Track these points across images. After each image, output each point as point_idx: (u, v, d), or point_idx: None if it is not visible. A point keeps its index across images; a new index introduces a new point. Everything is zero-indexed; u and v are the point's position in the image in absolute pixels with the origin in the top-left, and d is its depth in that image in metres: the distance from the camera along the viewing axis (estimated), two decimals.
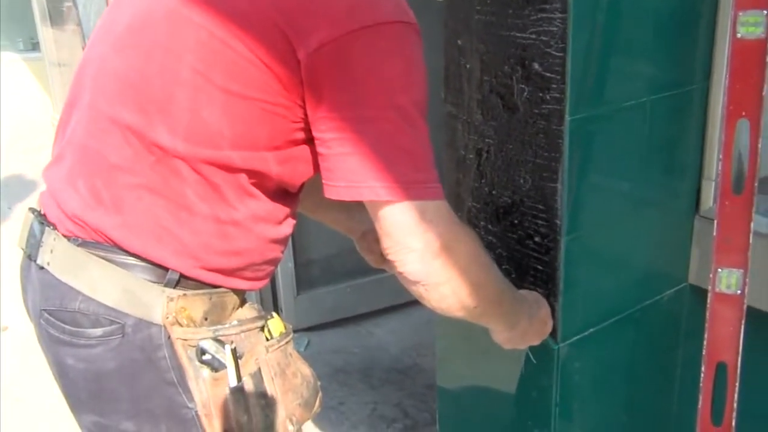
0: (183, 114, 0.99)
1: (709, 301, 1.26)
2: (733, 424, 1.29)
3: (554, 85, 1.21)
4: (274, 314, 1.16)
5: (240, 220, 1.05)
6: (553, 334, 1.33)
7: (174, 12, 1.01)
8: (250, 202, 1.05)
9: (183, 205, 1.01)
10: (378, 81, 0.97)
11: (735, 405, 1.27)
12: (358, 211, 1.19)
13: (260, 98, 0.98)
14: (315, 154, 1.03)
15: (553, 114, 1.23)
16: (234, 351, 1.05)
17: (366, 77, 0.97)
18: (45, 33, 5.69)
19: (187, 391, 1.05)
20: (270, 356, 1.10)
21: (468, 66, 1.37)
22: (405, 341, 3.00)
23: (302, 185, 1.13)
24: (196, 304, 1.06)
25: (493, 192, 1.38)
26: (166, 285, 1.03)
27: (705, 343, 1.28)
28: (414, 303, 1.12)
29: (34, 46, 6.77)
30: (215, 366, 1.04)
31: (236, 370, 1.05)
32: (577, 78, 1.20)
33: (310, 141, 1.03)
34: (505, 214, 1.37)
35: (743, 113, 1.16)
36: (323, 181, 1.01)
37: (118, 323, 1.03)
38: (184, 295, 1.04)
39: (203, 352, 1.04)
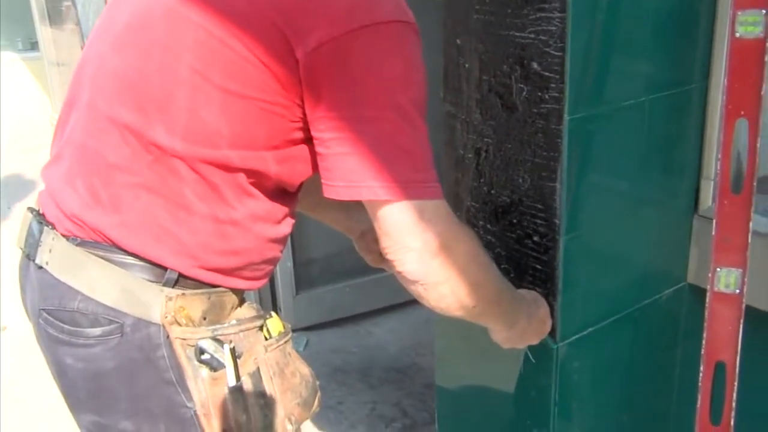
0: (181, 113, 0.99)
1: (707, 300, 1.26)
2: (732, 423, 1.29)
3: (553, 85, 1.21)
4: (273, 314, 1.16)
5: (239, 220, 1.05)
6: (552, 333, 1.33)
7: (172, 11, 1.01)
8: (249, 201, 1.05)
9: (181, 205, 1.01)
10: (377, 80, 0.97)
11: (734, 404, 1.27)
12: (357, 210, 1.19)
13: (259, 98, 0.98)
14: (314, 154, 1.03)
15: (551, 113, 1.23)
16: (233, 350, 1.05)
17: (365, 77, 0.97)
18: (44, 32, 5.69)
19: (186, 390, 1.05)
20: (269, 356, 1.10)
21: (467, 65, 1.37)
22: (404, 341, 3.00)
23: (301, 185, 1.13)
24: (195, 303, 1.06)
25: (492, 191, 1.38)
26: (165, 284, 1.03)
27: (704, 342, 1.28)
28: (413, 302, 1.12)
29: (33, 46, 6.77)
30: (214, 365, 1.04)
31: (235, 370, 1.05)
32: (576, 77, 1.20)
33: (308, 140, 1.03)
34: (503, 214, 1.37)
35: (742, 112, 1.16)
36: (322, 181, 1.01)
37: (117, 323, 1.03)
38: (183, 294, 1.04)
39: (202, 351, 1.04)
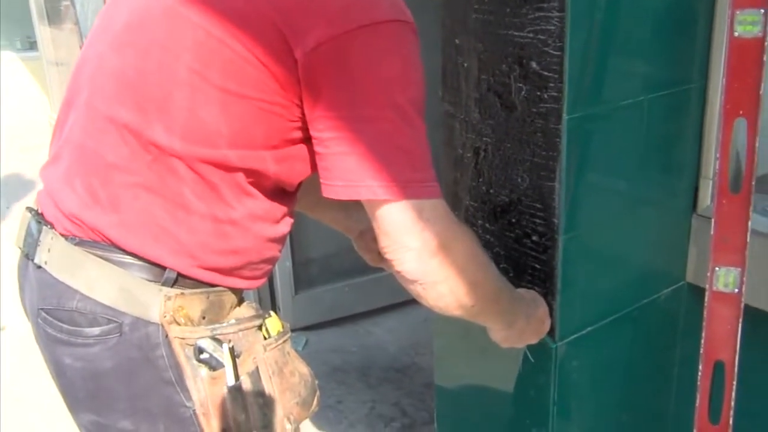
0: (180, 113, 0.99)
1: (706, 299, 1.26)
2: (731, 422, 1.29)
3: (552, 84, 1.21)
4: (272, 313, 1.16)
5: (237, 219, 1.05)
6: (551, 332, 1.33)
7: (171, 10, 1.01)
8: (248, 201, 1.05)
9: (180, 204, 1.01)
10: (376, 80, 0.97)
11: (732, 403, 1.27)
12: (356, 210, 1.19)
13: (257, 97, 0.98)
14: (312, 153, 1.03)
15: (550, 113, 1.23)
16: (232, 350, 1.05)
17: (364, 76, 0.97)
18: (42, 32, 5.69)
19: (185, 389, 1.05)
20: (268, 355, 1.10)
21: (466, 65, 1.37)
22: (403, 340, 3.00)
23: (300, 184, 1.13)
24: (194, 302, 1.06)
25: (491, 191, 1.38)
26: (164, 284, 1.03)
27: (702, 341, 1.28)
28: (412, 302, 1.12)
29: (32, 45, 6.77)
30: (213, 365, 1.04)
31: (234, 369, 1.05)
32: (575, 77, 1.20)
33: (307, 140, 1.03)
34: (502, 213, 1.37)
35: (741, 112, 1.16)
36: (321, 181, 1.01)
37: (116, 322, 1.03)
38: (182, 293, 1.04)
39: (201, 350, 1.04)
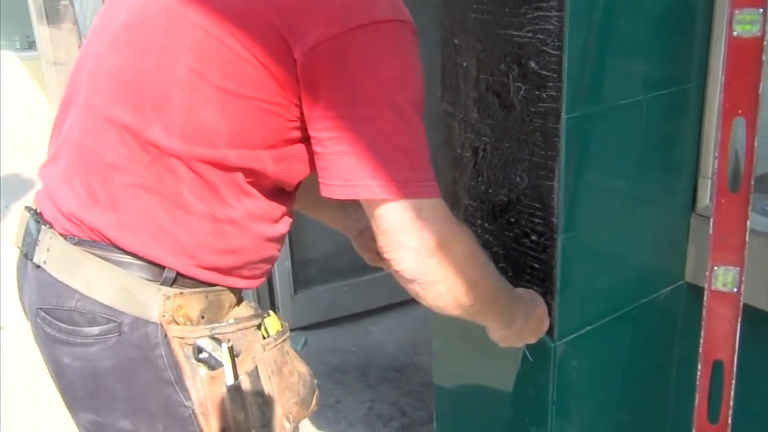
0: (179, 113, 0.99)
1: (705, 299, 1.26)
2: (730, 421, 1.29)
3: (551, 84, 1.21)
4: (271, 312, 1.17)
5: (236, 219, 1.05)
6: (550, 332, 1.33)
7: (170, 10, 1.01)
8: (247, 200, 1.05)
9: (179, 204, 1.01)
10: (374, 80, 0.97)
11: (731, 403, 1.27)
12: (354, 209, 1.20)
13: (256, 97, 0.98)
14: (311, 153, 1.03)
15: (549, 112, 1.23)
16: (231, 349, 1.05)
17: (362, 76, 0.97)
18: (41, 31, 5.68)
19: (184, 389, 1.05)
20: (267, 354, 1.10)
21: (464, 64, 1.37)
22: (402, 340, 3.00)
23: (299, 184, 1.13)
24: (193, 302, 1.06)
25: (490, 190, 1.38)
26: (163, 283, 1.03)
27: (701, 341, 1.28)
28: (411, 301, 1.12)
29: (31, 45, 6.77)
30: (212, 364, 1.04)
31: (233, 369, 1.05)
32: (574, 76, 1.20)
33: (306, 140, 1.03)
34: (501, 213, 1.37)
35: (739, 111, 1.16)
36: (319, 180, 1.01)
37: (115, 322, 1.03)
38: (181, 293, 1.04)
39: (200, 350, 1.04)
